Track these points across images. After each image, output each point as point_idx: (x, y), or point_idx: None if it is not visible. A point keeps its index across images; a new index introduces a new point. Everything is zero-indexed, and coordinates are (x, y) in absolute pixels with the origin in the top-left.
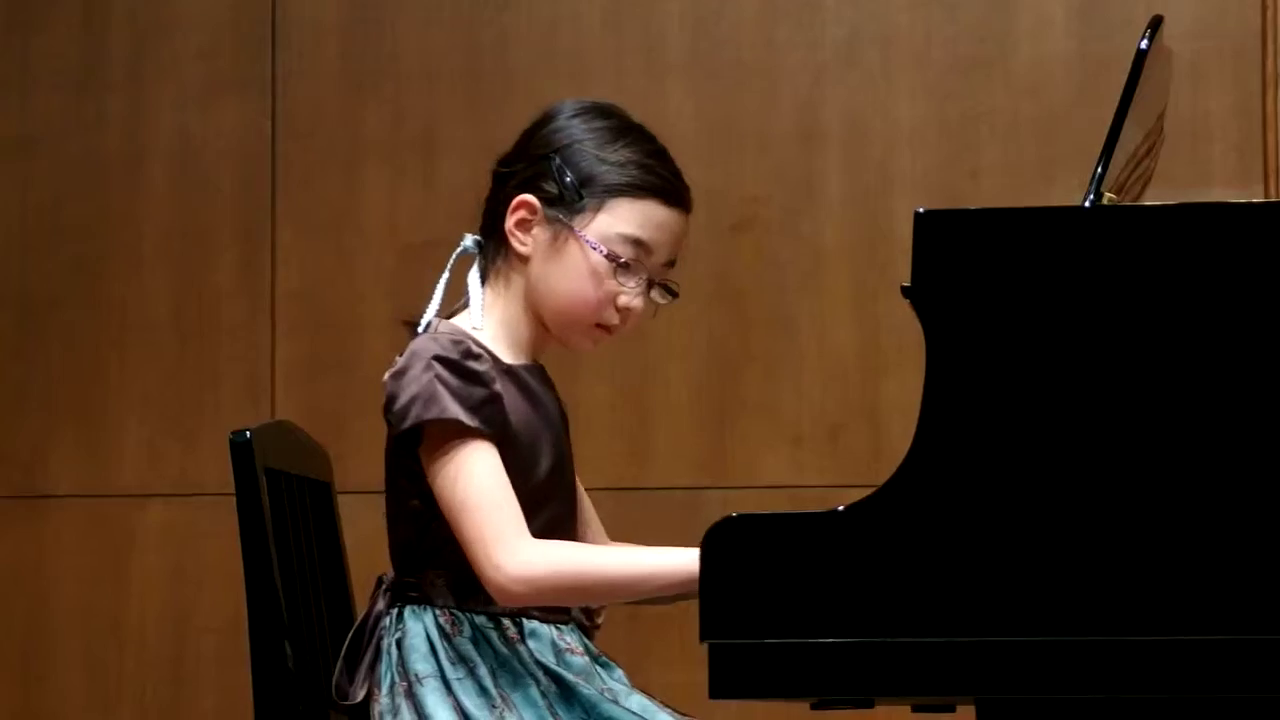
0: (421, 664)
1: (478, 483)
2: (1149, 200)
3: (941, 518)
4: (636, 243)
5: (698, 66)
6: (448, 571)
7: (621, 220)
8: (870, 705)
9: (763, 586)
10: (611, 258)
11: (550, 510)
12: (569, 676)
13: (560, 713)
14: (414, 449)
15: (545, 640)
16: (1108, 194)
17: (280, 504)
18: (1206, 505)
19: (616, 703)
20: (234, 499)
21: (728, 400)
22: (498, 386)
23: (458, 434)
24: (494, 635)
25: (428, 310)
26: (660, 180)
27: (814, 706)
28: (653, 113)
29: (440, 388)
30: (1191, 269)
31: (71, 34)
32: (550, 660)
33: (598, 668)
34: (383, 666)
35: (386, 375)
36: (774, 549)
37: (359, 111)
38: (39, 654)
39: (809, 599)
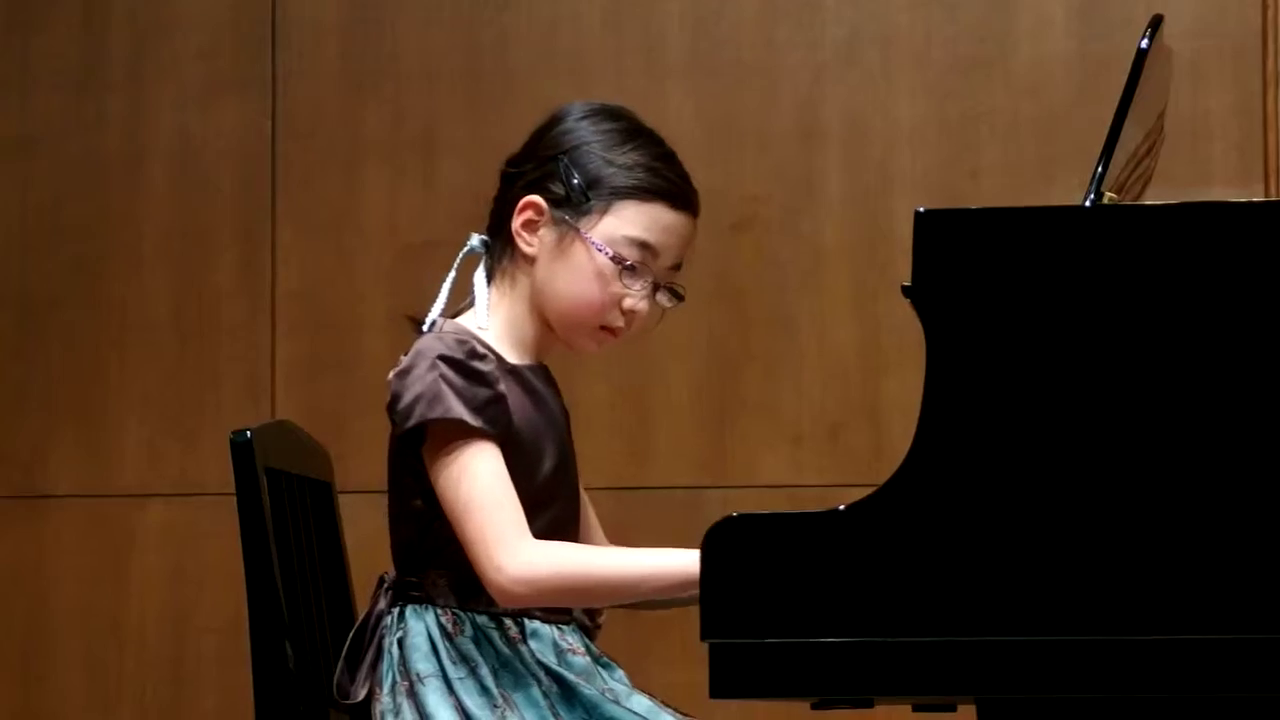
0: (423, 663)
1: (480, 483)
2: (1149, 200)
3: (942, 517)
4: (643, 245)
5: (698, 66)
6: (450, 571)
7: (628, 223)
8: (870, 705)
9: (763, 586)
10: (617, 260)
11: (553, 511)
12: (570, 677)
13: (562, 713)
14: (417, 448)
15: (547, 640)
16: (1108, 193)
17: (281, 504)
18: (1207, 505)
19: (618, 703)
20: (234, 499)
21: (728, 400)
22: (502, 387)
23: (461, 434)
24: (496, 635)
25: (433, 309)
26: (667, 183)
27: (814, 706)
28: (653, 112)
29: (445, 387)
30: (1191, 269)
31: (71, 34)
32: (552, 660)
33: (599, 668)
34: (384, 666)
35: (391, 374)
36: (774, 549)
37: (359, 111)
38: (39, 654)
39: (809, 599)
